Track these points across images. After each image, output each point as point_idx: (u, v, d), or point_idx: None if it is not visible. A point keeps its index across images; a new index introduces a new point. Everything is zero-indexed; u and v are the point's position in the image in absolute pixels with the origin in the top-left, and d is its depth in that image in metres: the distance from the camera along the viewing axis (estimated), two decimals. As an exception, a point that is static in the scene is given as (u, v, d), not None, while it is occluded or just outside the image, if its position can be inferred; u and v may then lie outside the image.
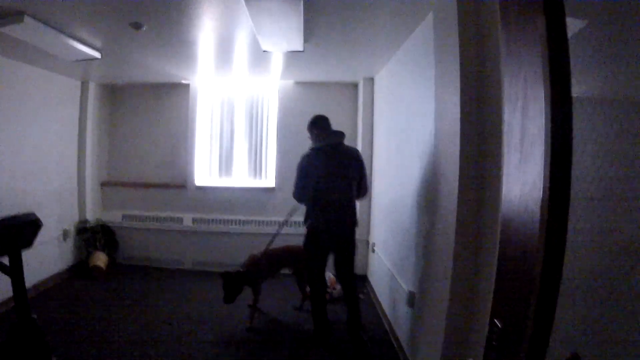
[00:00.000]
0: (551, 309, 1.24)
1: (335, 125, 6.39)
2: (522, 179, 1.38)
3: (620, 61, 1.42)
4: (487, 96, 2.10)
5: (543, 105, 1.29)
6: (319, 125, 4.18)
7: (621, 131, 1.43)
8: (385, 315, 4.70)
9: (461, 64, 2.16)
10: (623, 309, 1.34)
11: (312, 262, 4.14)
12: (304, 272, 4.68)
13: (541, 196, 1.25)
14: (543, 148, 1.27)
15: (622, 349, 1.33)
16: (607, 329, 1.17)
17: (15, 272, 3.18)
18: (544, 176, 1.26)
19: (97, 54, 4.56)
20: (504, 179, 1.50)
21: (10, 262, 3.17)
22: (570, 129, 1.25)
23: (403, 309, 3.82)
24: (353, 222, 4.11)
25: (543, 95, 1.29)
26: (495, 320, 1.42)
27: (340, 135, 4.13)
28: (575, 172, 1.24)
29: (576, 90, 1.26)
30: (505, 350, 1.37)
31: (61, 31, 3.88)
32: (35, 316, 3.22)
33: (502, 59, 1.68)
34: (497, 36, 2.00)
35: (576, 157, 1.24)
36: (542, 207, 1.25)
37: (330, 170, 3.98)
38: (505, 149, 1.52)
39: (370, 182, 6.04)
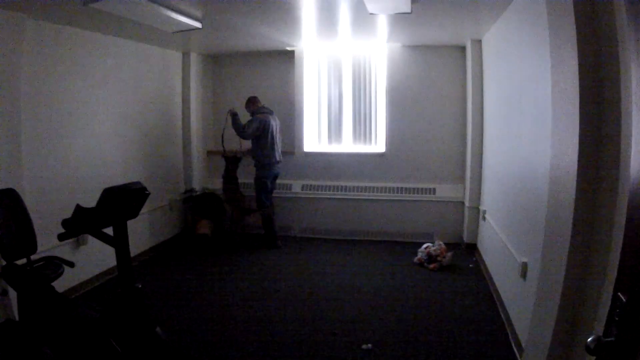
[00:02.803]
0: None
1: (444, 89, 6.30)
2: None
3: None
4: (605, 54, 1.92)
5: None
6: (258, 100, 6.24)
7: None
8: (494, 286, 4.57)
9: (576, 19, 1.98)
10: None
11: (264, 186, 6.19)
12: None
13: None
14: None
15: None
16: None
17: (120, 242, 3.14)
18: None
19: (197, 24, 4.57)
20: (633, 141, 1.37)
21: (114, 232, 3.13)
22: None
23: (514, 280, 3.68)
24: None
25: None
26: (619, 294, 1.32)
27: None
28: None
29: None
30: (628, 325, 1.28)
31: (159, 3, 3.89)
32: (140, 286, 3.20)
33: (625, 10, 1.51)
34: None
35: None
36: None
37: (275, 128, 6.20)
38: (633, 109, 1.38)
39: (481, 147, 5.87)
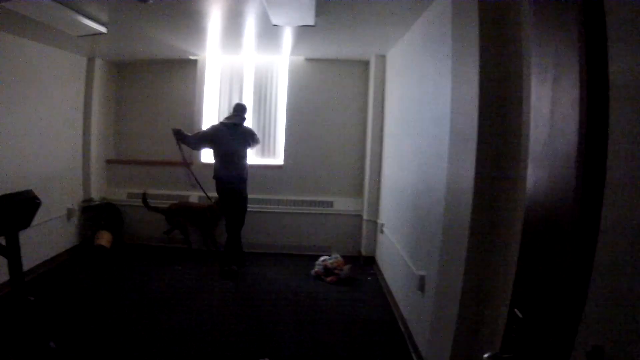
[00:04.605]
0: (581, 300, 1.13)
1: (345, 104, 6.35)
2: (552, 158, 1.26)
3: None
4: (508, 72, 1.96)
5: (578, 76, 1.16)
6: (235, 109, 5.61)
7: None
8: (393, 299, 4.62)
9: (481, 39, 2.02)
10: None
11: (222, 202, 5.64)
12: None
13: (575, 175, 1.13)
14: (577, 123, 1.15)
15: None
16: (635, 322, 1.05)
17: (12, 253, 3.03)
18: (578, 154, 1.13)
19: (102, 29, 4.44)
20: (530, 158, 1.38)
21: (6, 242, 3.03)
22: (607, 102, 1.13)
23: (413, 294, 3.72)
24: (242, 179, 5.60)
25: (578, 65, 1.16)
26: (516, 311, 1.32)
27: (241, 119, 5.57)
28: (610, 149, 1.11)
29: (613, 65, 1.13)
30: (525, 342, 1.27)
31: (66, 5, 3.73)
32: (32, 298, 3.09)
33: (530, 26, 1.54)
34: (522, 4, 1.87)
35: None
36: (575, 190, 1.12)
37: (232, 138, 5.45)
38: (531, 124, 1.39)
39: (380, 162, 5.97)
